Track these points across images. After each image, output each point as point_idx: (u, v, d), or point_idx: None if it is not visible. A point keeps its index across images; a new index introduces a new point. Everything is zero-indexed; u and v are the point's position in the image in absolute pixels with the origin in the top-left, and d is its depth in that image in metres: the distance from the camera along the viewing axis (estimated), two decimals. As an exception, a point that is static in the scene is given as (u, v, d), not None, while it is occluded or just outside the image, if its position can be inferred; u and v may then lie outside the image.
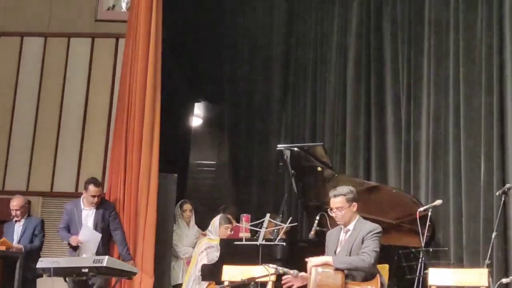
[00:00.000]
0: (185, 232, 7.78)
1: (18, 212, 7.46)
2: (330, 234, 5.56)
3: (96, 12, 9.23)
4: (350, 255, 5.25)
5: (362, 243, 5.25)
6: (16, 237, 7.41)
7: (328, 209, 5.50)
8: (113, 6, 9.31)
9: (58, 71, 9.11)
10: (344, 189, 5.43)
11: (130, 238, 7.35)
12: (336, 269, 5.11)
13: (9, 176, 8.84)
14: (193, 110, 9.95)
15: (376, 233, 5.28)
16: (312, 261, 5.19)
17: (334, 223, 5.79)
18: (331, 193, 5.45)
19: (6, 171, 8.86)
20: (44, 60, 9.16)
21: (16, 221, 7.48)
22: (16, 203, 7.48)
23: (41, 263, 6.24)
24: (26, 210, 7.57)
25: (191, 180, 9.72)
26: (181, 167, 9.27)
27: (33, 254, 7.15)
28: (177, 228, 7.78)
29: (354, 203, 5.39)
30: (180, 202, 7.90)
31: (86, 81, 9.05)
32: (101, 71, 9.08)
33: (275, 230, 6.47)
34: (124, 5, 9.24)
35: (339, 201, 5.36)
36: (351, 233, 5.37)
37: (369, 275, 5.24)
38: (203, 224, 7.76)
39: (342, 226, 5.44)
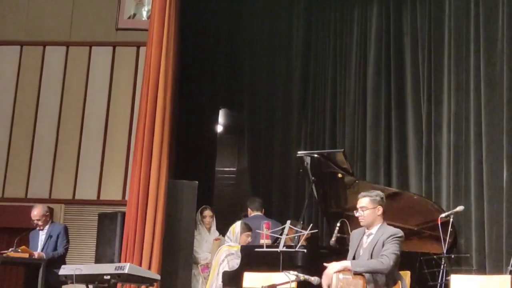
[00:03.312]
0: (205, 238, 7.78)
1: (40, 222, 7.53)
2: (354, 234, 5.58)
3: (117, 21, 9.31)
4: (371, 259, 5.24)
5: (383, 247, 5.24)
6: (40, 245, 7.48)
7: (355, 210, 5.52)
8: (134, 14, 9.38)
9: (80, 80, 9.20)
10: (372, 192, 5.51)
11: (148, 246, 7.35)
12: (355, 274, 5.09)
13: (32, 184, 8.92)
14: (217, 117, 9.98)
15: (397, 237, 5.27)
16: (330, 266, 5.18)
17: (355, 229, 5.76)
18: (360, 194, 5.53)
19: (29, 179, 8.95)
20: (66, 69, 9.25)
21: (39, 229, 7.56)
22: (36, 212, 7.54)
23: (64, 270, 6.28)
24: (48, 218, 7.63)
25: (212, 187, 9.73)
26: (206, 174, 9.28)
27: (57, 261, 7.21)
28: (197, 234, 7.80)
29: (379, 206, 5.40)
30: (200, 208, 7.91)
31: (107, 89, 9.13)
32: (123, 79, 9.15)
33: (296, 237, 6.46)
34: (144, 14, 9.30)
35: (364, 201, 5.42)
36: (373, 237, 5.37)
37: (391, 281, 5.22)
38: (224, 231, 7.78)
39: (366, 230, 5.43)
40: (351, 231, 6.07)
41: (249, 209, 7.89)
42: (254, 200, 7.98)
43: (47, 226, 7.57)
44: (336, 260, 5.30)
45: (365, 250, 5.35)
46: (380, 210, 5.41)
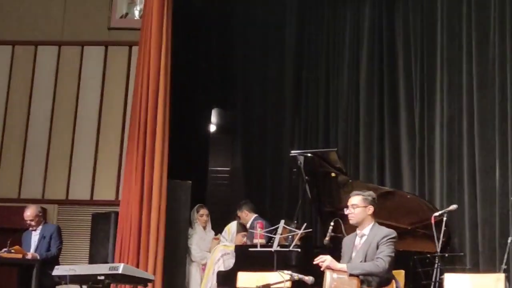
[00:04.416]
0: (202, 237, 7.79)
1: (32, 222, 7.51)
2: (346, 241, 5.56)
3: (109, 20, 9.28)
4: (365, 260, 5.24)
5: (377, 248, 5.24)
6: (33, 245, 7.45)
7: (345, 208, 5.52)
8: (126, 14, 9.36)
9: (72, 79, 9.16)
10: (365, 191, 5.50)
11: (141, 245, 7.34)
12: (351, 275, 5.10)
13: (25, 184, 8.89)
14: (210, 117, 9.97)
15: (391, 238, 5.27)
16: (328, 259, 5.18)
17: (348, 229, 5.78)
18: (352, 193, 5.51)
19: (21, 179, 8.90)
20: (58, 69, 9.22)
21: (32, 230, 7.53)
22: (29, 213, 7.51)
23: (57, 271, 6.25)
24: (41, 219, 7.61)
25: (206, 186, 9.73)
26: (199, 173, 9.27)
27: (50, 262, 7.19)
28: (193, 232, 7.79)
29: (370, 206, 5.39)
30: (196, 207, 7.91)
31: (100, 89, 9.10)
32: (115, 79, 9.12)
33: (290, 236, 6.47)
34: (137, 13, 9.28)
35: (355, 199, 5.41)
36: (366, 238, 5.36)
37: (384, 281, 5.23)
38: (218, 230, 7.79)
39: (358, 232, 5.43)
40: (345, 230, 6.09)
41: (244, 211, 7.86)
42: (249, 202, 7.98)
43: (40, 227, 7.55)
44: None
45: (358, 251, 5.33)
46: (371, 209, 5.40)
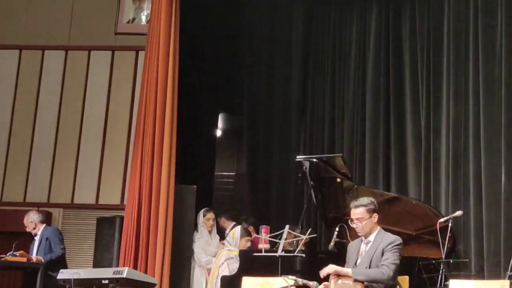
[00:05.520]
0: (208, 241, 7.79)
1: (28, 229, 7.51)
2: (351, 246, 5.53)
3: (116, 25, 9.31)
4: (370, 267, 5.22)
5: (382, 255, 5.22)
6: (35, 249, 7.47)
7: (349, 220, 5.47)
8: (133, 19, 9.39)
9: (78, 84, 9.19)
10: (365, 200, 5.41)
11: (147, 249, 7.34)
12: (355, 281, 5.08)
13: (31, 188, 8.91)
14: (216, 121, 9.99)
15: (396, 245, 5.24)
16: (331, 267, 5.17)
17: (353, 235, 5.76)
18: (352, 204, 5.44)
19: (27, 183, 8.93)
20: (65, 73, 9.25)
21: (34, 236, 7.55)
22: (24, 220, 7.53)
23: (62, 274, 6.27)
24: (36, 225, 7.55)
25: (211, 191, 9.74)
26: (205, 178, 9.28)
27: (56, 262, 7.20)
28: (199, 236, 7.78)
29: (375, 214, 5.36)
30: (203, 210, 7.90)
31: (106, 94, 9.12)
32: (121, 84, 9.14)
33: (295, 242, 6.46)
34: (144, 18, 9.31)
35: (359, 212, 5.34)
36: (372, 244, 5.33)
37: (388, 287, 5.21)
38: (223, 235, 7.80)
39: (363, 238, 5.41)
40: (349, 236, 6.06)
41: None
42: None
43: (39, 232, 7.55)
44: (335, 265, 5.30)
45: (363, 258, 5.30)
46: (376, 217, 5.36)
